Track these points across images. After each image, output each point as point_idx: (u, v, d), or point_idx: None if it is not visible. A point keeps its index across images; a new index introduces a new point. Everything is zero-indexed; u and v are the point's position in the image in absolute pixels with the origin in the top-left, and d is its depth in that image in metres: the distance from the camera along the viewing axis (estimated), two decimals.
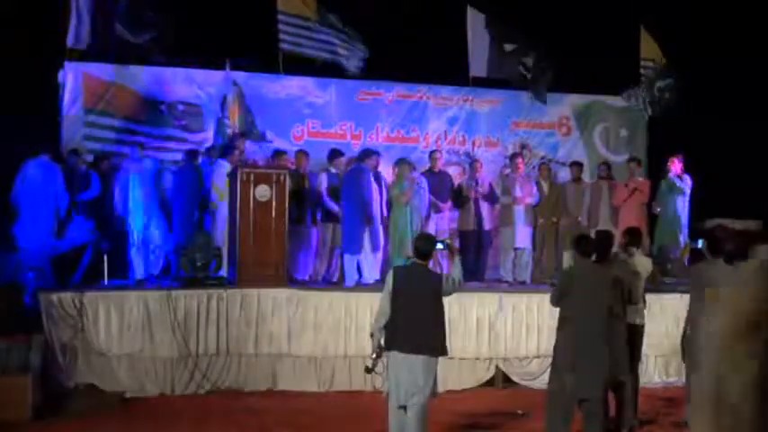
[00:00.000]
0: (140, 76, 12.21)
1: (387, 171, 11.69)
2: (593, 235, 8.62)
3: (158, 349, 9.01)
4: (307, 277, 11.03)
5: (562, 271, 7.38)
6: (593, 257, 7.53)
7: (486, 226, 11.84)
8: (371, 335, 6.79)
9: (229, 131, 11.70)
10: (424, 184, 11.35)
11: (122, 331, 8.93)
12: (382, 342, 6.70)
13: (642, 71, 13.96)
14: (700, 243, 8.71)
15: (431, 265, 7.08)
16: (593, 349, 7.11)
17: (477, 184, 11.81)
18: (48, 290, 8.98)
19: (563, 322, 7.28)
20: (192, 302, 9.11)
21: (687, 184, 11.67)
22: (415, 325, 6.61)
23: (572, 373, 7.09)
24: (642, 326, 8.45)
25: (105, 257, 9.79)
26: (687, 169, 11.83)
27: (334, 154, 11.42)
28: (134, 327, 8.96)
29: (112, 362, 8.95)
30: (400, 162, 11.33)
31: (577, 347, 7.10)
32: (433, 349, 6.69)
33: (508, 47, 13.58)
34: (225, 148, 11.02)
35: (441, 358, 6.79)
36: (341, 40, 12.76)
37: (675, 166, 11.71)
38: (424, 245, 6.94)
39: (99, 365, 8.92)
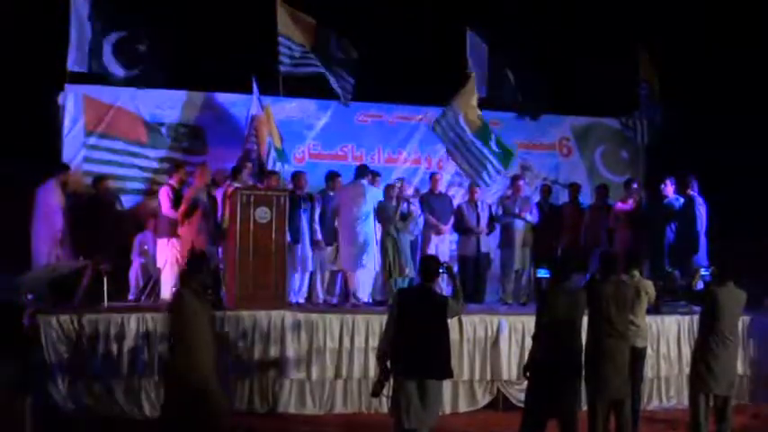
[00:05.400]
0: (141, 99, 12.26)
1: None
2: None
3: (157, 371, 8.95)
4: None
5: (540, 296, 7.55)
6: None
7: (487, 248, 11.84)
8: (378, 358, 6.79)
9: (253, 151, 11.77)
10: (416, 205, 11.45)
11: (122, 353, 8.92)
12: (388, 365, 6.70)
13: (642, 92, 14.03)
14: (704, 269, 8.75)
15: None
16: (571, 366, 7.26)
17: (475, 205, 11.82)
18: (47, 311, 8.96)
19: (540, 338, 7.37)
20: None
21: (699, 203, 11.51)
22: (421, 348, 6.63)
23: (551, 388, 7.17)
24: (644, 348, 8.52)
25: (105, 278, 9.77)
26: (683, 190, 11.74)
27: (331, 176, 11.52)
28: (134, 348, 8.93)
29: (112, 384, 8.92)
30: (395, 183, 11.38)
31: (555, 364, 7.19)
32: (439, 372, 6.71)
33: (508, 71, 13.69)
34: (233, 169, 11.01)
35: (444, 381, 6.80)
36: (333, 72, 12.81)
37: (668, 188, 11.66)
38: (430, 267, 6.96)
39: (98, 388, 8.89)
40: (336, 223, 11.16)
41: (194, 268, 6.98)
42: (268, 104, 12.08)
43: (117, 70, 11.98)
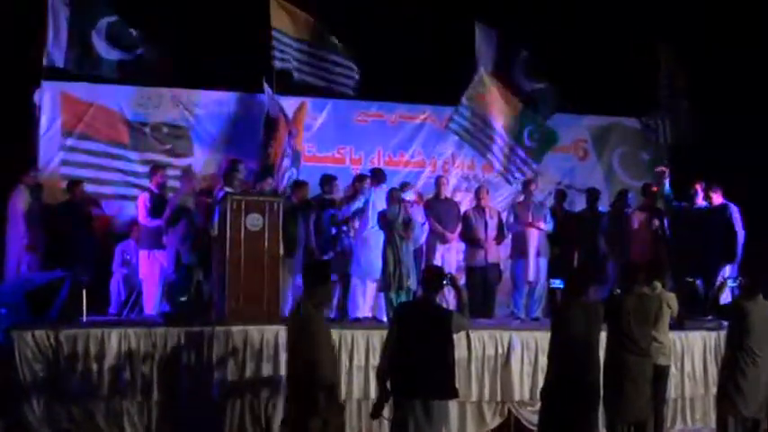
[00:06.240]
0: (122, 97, 12.28)
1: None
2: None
3: (140, 392, 8.98)
4: None
5: (554, 310, 7.61)
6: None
7: (496, 259, 11.86)
8: (378, 376, 6.79)
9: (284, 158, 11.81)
10: (419, 211, 11.47)
11: (102, 372, 8.89)
12: (388, 385, 6.70)
13: (664, 90, 14.02)
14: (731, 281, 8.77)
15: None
16: (589, 385, 7.27)
17: (484, 212, 11.84)
18: (21, 327, 8.95)
19: (555, 356, 7.39)
20: (177, 341, 9.08)
21: (734, 209, 11.42)
22: (423, 366, 6.63)
23: (566, 410, 7.19)
24: (667, 366, 8.53)
25: (84, 291, 9.78)
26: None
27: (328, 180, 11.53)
28: (115, 367, 8.93)
29: (91, 406, 8.87)
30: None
31: (571, 383, 7.21)
32: (443, 392, 6.71)
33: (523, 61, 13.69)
34: (226, 172, 11.00)
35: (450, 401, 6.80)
36: (334, 62, 12.78)
37: (698, 194, 11.65)
38: (433, 278, 6.96)
39: (76, 410, 8.84)
40: (349, 229, 11.17)
41: (316, 279, 6.97)
42: (305, 102, 12.06)
43: (110, 55, 11.98)
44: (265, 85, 12.15)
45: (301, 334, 6.85)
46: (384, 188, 10.96)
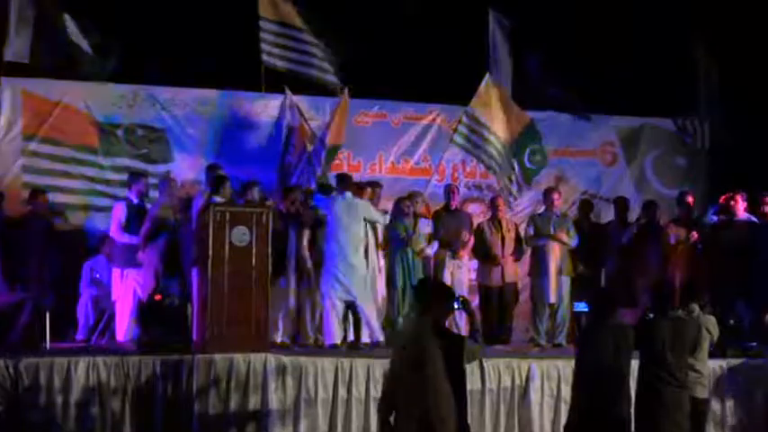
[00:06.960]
0: (91, 95, 12.22)
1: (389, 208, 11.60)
2: None
3: (111, 428, 8.90)
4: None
5: (579, 336, 7.57)
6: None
7: (514, 277, 11.78)
8: (379, 410, 6.73)
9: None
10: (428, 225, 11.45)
11: (68, 406, 8.83)
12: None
13: (702, 94, 14.00)
14: None
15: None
16: (618, 421, 7.26)
17: (500, 225, 11.75)
18: None
19: (580, 387, 7.44)
20: (152, 371, 9.04)
21: None
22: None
23: None
24: (706, 399, 8.43)
25: (47, 314, 9.71)
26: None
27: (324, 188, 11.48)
28: (82, 401, 8.86)
29: None
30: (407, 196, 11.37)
31: (598, 418, 7.20)
32: (452, 430, 6.63)
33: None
34: (215, 179, 10.89)
35: None
36: (321, 50, 12.76)
37: (738, 205, 11.58)
38: (442, 300, 6.89)
39: None
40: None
41: (433, 296, 6.91)
42: (344, 95, 12.19)
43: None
44: (287, 92, 12.30)
45: (418, 353, 6.74)
46: (348, 197, 10.80)
